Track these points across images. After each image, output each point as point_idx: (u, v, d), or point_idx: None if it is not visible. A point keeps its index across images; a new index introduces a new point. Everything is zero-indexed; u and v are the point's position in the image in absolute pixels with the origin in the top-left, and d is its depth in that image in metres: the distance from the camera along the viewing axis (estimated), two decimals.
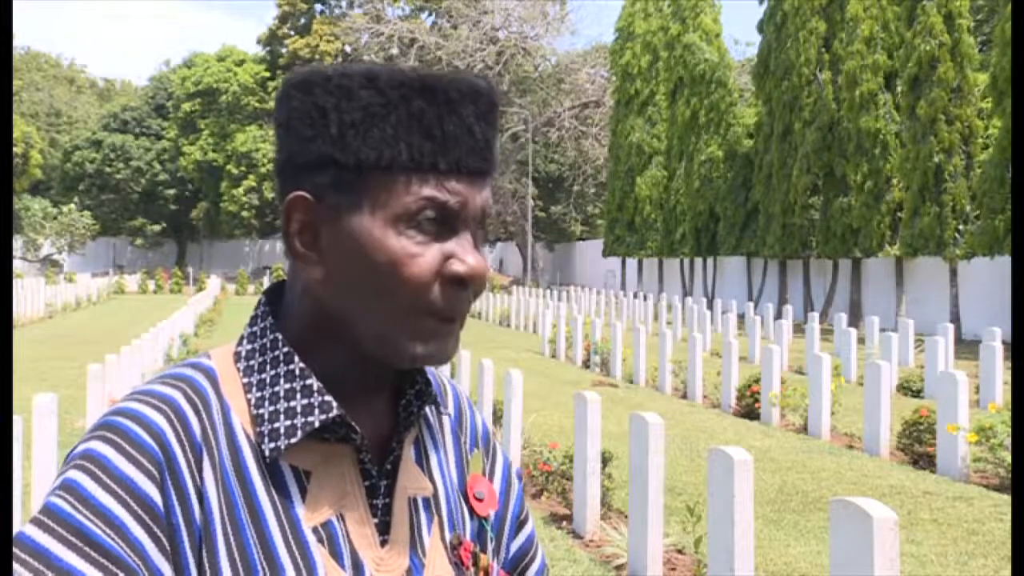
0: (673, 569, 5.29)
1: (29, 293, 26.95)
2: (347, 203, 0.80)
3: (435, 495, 0.90)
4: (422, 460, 0.91)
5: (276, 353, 0.84)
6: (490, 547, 0.94)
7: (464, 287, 0.81)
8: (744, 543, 3.96)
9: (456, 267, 0.80)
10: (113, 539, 0.73)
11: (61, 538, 0.72)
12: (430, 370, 0.98)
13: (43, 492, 5.75)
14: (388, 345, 0.81)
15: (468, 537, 0.91)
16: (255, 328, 0.86)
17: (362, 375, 0.85)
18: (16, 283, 26.66)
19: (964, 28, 21.90)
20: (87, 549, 0.72)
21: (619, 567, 5.35)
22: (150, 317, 23.23)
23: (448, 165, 0.80)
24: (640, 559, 5.10)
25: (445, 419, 0.97)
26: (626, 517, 5.94)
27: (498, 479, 1.00)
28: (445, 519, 0.89)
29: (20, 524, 5.46)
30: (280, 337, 0.84)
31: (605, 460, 6.38)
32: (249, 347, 0.85)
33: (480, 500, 0.94)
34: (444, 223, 0.80)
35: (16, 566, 0.72)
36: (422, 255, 0.79)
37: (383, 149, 0.79)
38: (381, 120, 0.79)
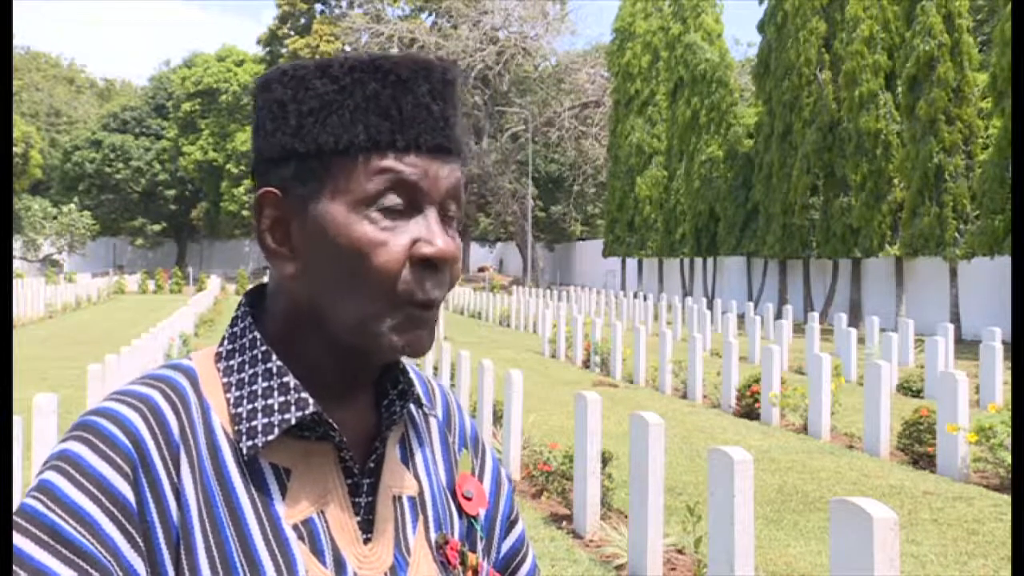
0: (673, 569, 5.29)
1: (29, 293, 26.95)
2: (311, 193, 0.80)
3: (420, 494, 0.90)
4: (407, 459, 0.91)
5: (254, 352, 0.84)
6: (480, 546, 0.94)
7: (435, 270, 0.81)
8: (744, 543, 3.96)
9: (424, 249, 0.80)
10: (86, 537, 0.73)
11: (34, 537, 0.73)
12: (416, 370, 0.98)
13: None
14: (363, 335, 0.81)
15: (456, 536, 0.91)
16: (235, 328, 0.87)
17: (341, 371, 0.85)
18: (16, 283, 26.67)
19: (964, 28, 21.90)
20: (60, 548, 0.72)
21: (619, 567, 5.35)
22: (150, 317, 23.24)
23: (406, 142, 0.80)
24: (640, 559, 5.10)
25: (432, 420, 0.97)
26: (626, 517, 5.94)
27: (488, 479, 1.00)
28: (431, 518, 0.89)
29: None
30: (258, 336, 0.85)
31: (605, 460, 6.38)
32: (229, 347, 0.86)
33: (469, 499, 0.94)
34: (409, 205, 0.80)
35: None
36: (388, 241, 0.79)
37: (341, 133, 0.79)
38: (338, 106, 0.80)
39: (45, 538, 0.72)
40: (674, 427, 9.40)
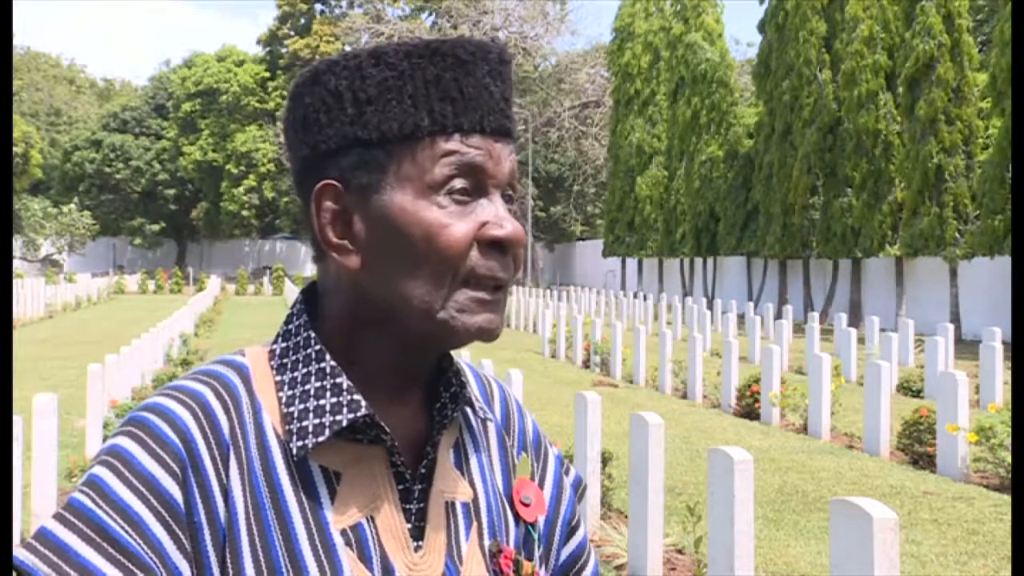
0: (673, 569, 5.29)
1: (29, 293, 26.93)
2: (375, 181, 0.79)
3: (475, 500, 0.87)
4: (462, 464, 0.89)
5: (308, 351, 0.82)
6: (537, 554, 0.91)
7: (503, 252, 0.80)
8: (744, 543, 3.96)
9: (494, 231, 0.79)
10: (132, 536, 0.73)
11: (81, 533, 0.73)
12: (474, 369, 0.96)
13: (43, 492, 5.76)
14: (433, 321, 0.79)
15: (512, 544, 0.88)
16: (290, 326, 0.85)
17: (398, 370, 0.84)
18: (16, 283, 26.65)
19: (963, 28, 21.90)
20: (105, 545, 0.72)
21: (619, 567, 5.35)
22: (150, 317, 23.23)
23: (471, 124, 0.79)
24: (640, 559, 5.10)
25: (490, 423, 0.94)
26: (626, 517, 5.94)
27: (549, 484, 0.97)
28: (485, 525, 0.87)
29: (20, 523, 5.46)
30: (313, 335, 0.83)
31: (605, 460, 6.38)
32: (283, 345, 0.84)
33: (527, 505, 0.92)
34: (475, 188, 0.79)
35: (35, 559, 0.72)
36: (455, 224, 0.78)
37: (405, 118, 0.78)
38: (398, 91, 0.79)
39: (92, 535, 0.72)
40: (674, 427, 9.40)
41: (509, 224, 0.79)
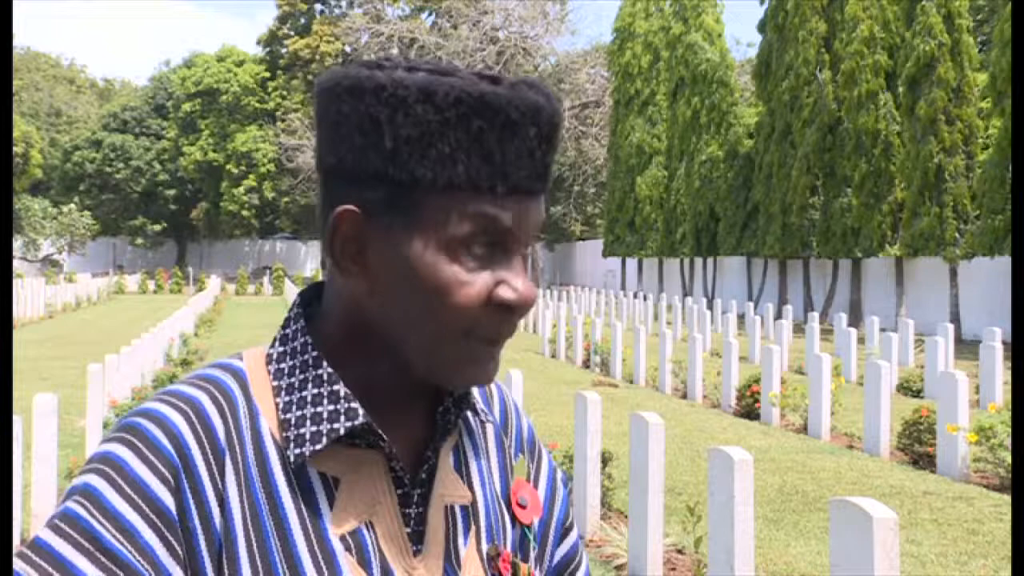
0: (673, 569, 5.29)
1: (29, 293, 26.93)
2: (399, 223, 0.77)
3: (474, 503, 0.87)
4: (461, 467, 0.88)
5: (306, 357, 0.82)
6: (532, 555, 0.91)
7: (512, 312, 0.79)
8: (744, 543, 3.96)
9: (506, 294, 0.78)
10: (124, 545, 0.73)
11: (74, 543, 0.73)
12: None
13: (43, 492, 5.76)
14: (431, 367, 0.79)
15: (509, 546, 0.88)
16: (287, 330, 0.84)
17: (398, 386, 0.83)
18: (16, 283, 26.65)
19: (964, 28, 21.90)
20: (98, 555, 0.72)
21: (619, 567, 5.35)
22: (150, 317, 23.23)
23: (506, 188, 0.77)
24: (640, 559, 5.10)
25: (489, 424, 0.94)
26: (626, 517, 5.94)
27: (543, 485, 0.97)
28: (483, 528, 0.87)
29: (20, 523, 5.46)
30: (310, 341, 0.82)
31: (605, 460, 6.38)
32: (280, 349, 0.83)
33: (523, 507, 0.92)
34: (498, 245, 0.78)
35: (29, 569, 0.72)
36: (473, 283, 0.77)
37: (440, 169, 0.76)
38: (439, 139, 0.75)
39: (86, 544, 0.72)
40: (674, 427, 9.40)
41: (521, 285, 0.78)
